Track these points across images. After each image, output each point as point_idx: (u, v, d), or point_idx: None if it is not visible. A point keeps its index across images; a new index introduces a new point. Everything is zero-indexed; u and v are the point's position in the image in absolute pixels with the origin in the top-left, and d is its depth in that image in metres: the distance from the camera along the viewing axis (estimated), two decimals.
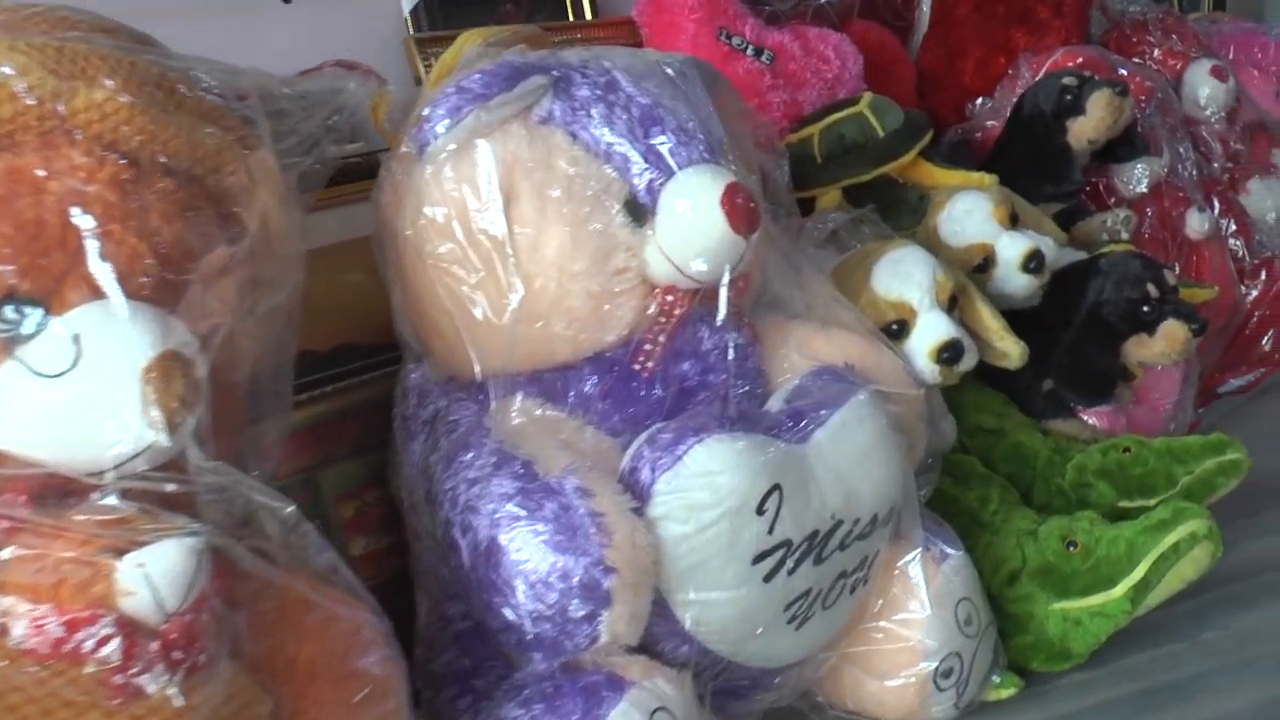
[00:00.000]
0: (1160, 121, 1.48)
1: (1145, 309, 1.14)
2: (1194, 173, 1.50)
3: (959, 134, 1.53)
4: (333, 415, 1.00)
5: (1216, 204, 1.54)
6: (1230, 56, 1.81)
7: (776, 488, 0.77)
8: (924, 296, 0.95)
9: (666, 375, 0.84)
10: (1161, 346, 1.14)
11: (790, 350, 0.92)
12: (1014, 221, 1.10)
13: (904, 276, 0.96)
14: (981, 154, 1.44)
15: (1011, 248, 1.08)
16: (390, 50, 1.14)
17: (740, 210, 0.80)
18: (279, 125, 0.78)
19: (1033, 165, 1.32)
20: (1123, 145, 1.36)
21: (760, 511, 0.76)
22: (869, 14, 1.55)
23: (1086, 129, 1.29)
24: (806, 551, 0.79)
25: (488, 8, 1.20)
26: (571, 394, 0.83)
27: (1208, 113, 1.62)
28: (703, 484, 0.75)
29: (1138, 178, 1.44)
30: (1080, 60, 1.51)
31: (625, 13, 1.28)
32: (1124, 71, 1.50)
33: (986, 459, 1.17)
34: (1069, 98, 1.29)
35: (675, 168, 0.82)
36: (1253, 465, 1.35)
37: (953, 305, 0.97)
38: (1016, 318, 1.21)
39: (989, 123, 1.49)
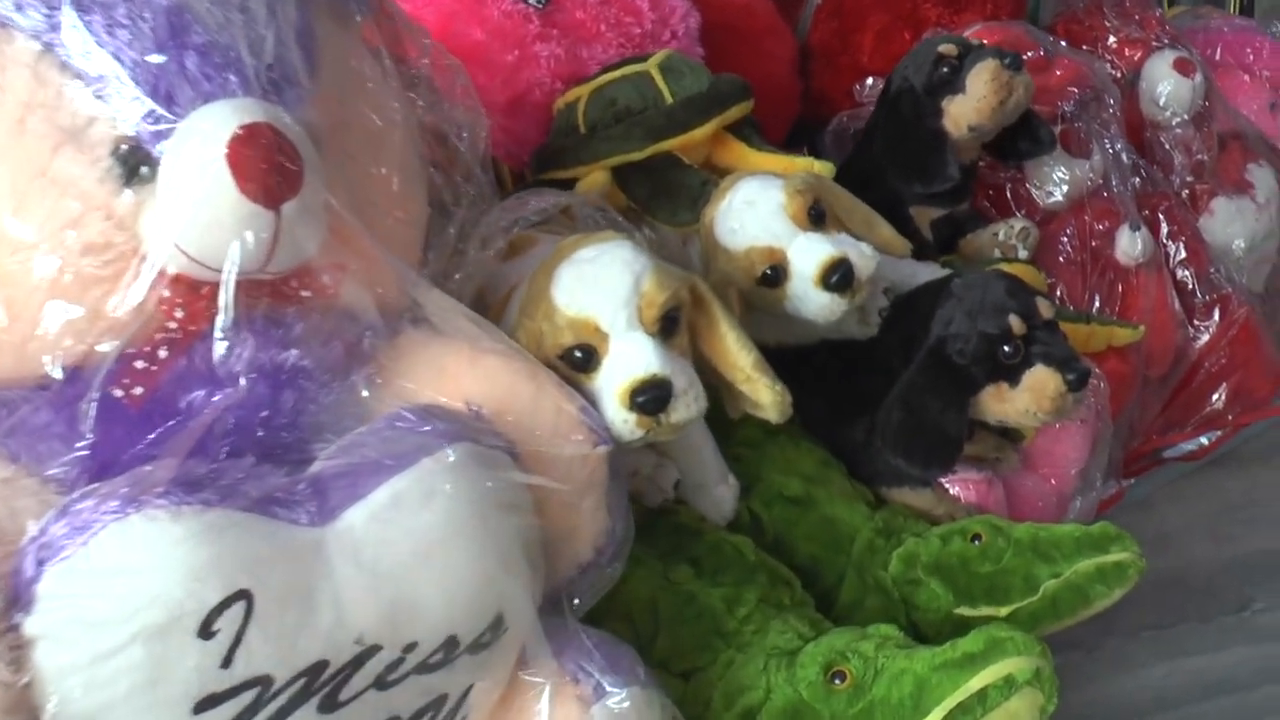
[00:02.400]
0: (1093, 118, 1.18)
1: (1006, 349, 0.83)
2: (1133, 183, 1.18)
3: (844, 123, 1.23)
4: None
5: (1165, 223, 1.23)
6: (1217, 57, 1.50)
7: (242, 596, 0.49)
8: (618, 313, 0.66)
9: (165, 408, 0.56)
10: (1025, 401, 0.84)
11: (425, 383, 0.64)
12: (818, 220, 0.80)
13: (591, 284, 0.67)
14: None
15: (806, 255, 0.79)
16: None
17: (255, 165, 0.53)
18: None
19: (897, 156, 1.03)
20: (1022, 138, 1.05)
21: (207, 634, 0.48)
22: None
23: (966, 111, 0.98)
24: (302, 694, 0.51)
25: None
26: (9, 426, 0.56)
27: (1168, 114, 1.31)
28: (106, 587, 0.47)
29: (1054, 183, 1.14)
30: (998, 38, 1.21)
31: None
32: (1045, 54, 1.20)
33: (782, 540, 0.87)
34: (945, 70, 0.99)
35: (190, 102, 0.55)
36: (1179, 560, 1.04)
37: (669, 327, 0.68)
38: (850, 352, 0.92)
39: None
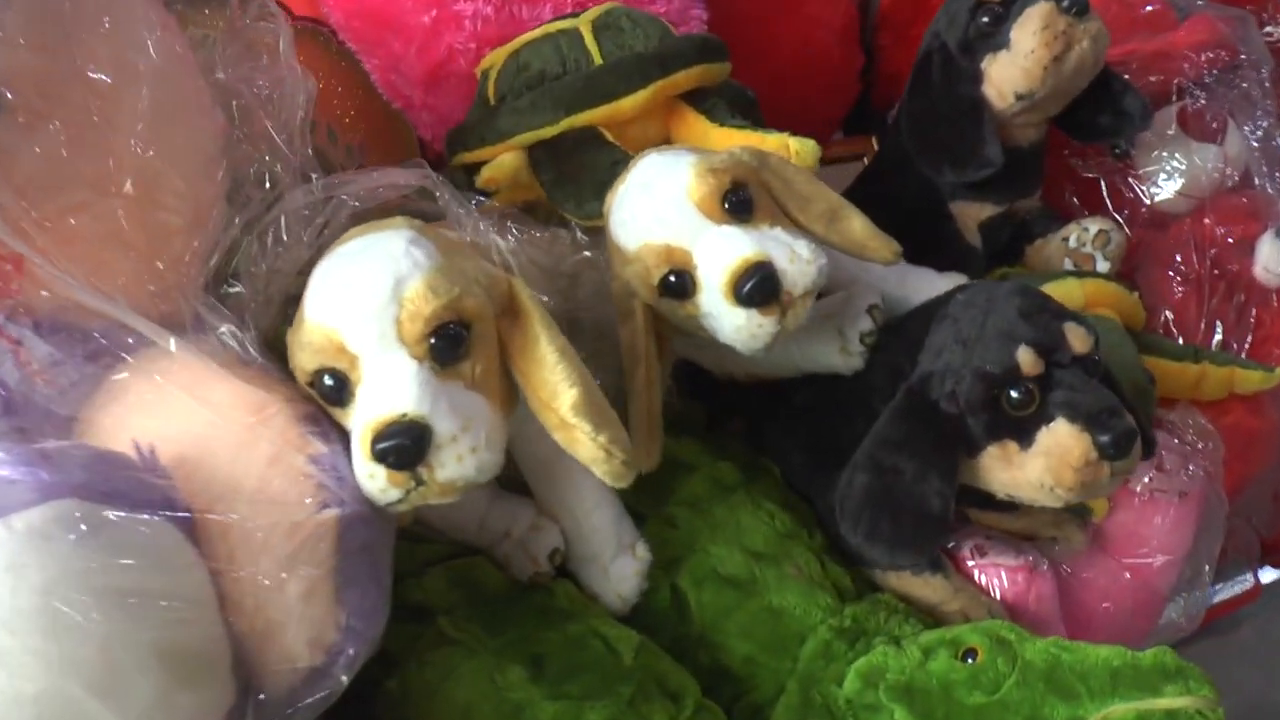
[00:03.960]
0: (1234, 94, 0.89)
1: (1012, 395, 0.59)
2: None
3: None
4: None
5: None
6: None
7: None
8: (366, 327, 0.48)
9: None
10: (1038, 470, 0.59)
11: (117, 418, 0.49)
12: (739, 210, 0.59)
13: (340, 287, 0.50)
14: None
15: (712, 256, 0.58)
16: None
17: None
18: None
19: (924, 135, 0.79)
20: (1103, 110, 0.79)
21: None
22: None
23: (1011, 73, 0.74)
24: None
25: None
26: None
27: None
28: None
29: (1166, 174, 0.86)
30: None
31: None
32: (1176, 11, 0.92)
33: (711, 633, 0.66)
34: (985, 20, 0.75)
35: None
36: None
37: (448, 348, 0.49)
38: (836, 390, 0.70)
39: None
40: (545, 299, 0.68)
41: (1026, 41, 0.73)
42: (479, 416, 0.48)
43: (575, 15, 0.74)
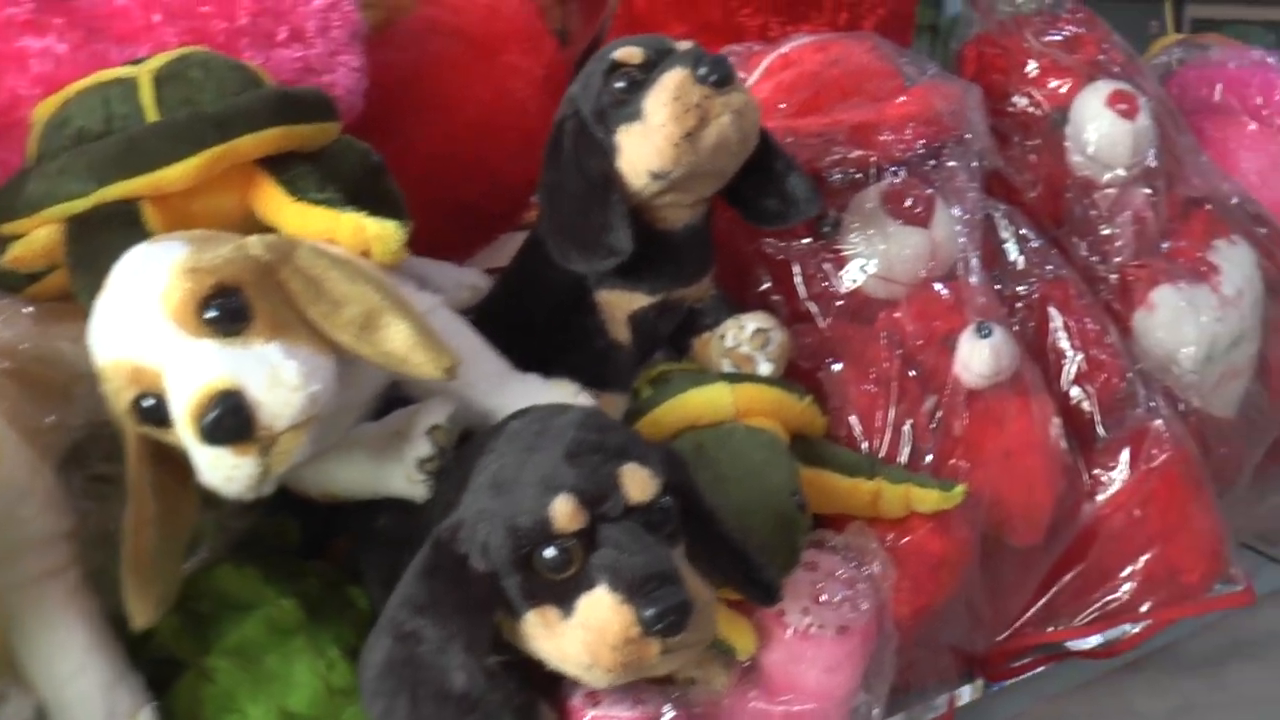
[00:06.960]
0: (943, 175, 0.82)
1: (546, 555, 0.50)
2: (1008, 266, 0.82)
3: None
4: None
5: (1060, 323, 0.85)
6: (1216, 98, 1.12)
7: None
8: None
9: None
10: (577, 645, 0.50)
11: None
12: (228, 320, 0.48)
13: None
14: None
15: (177, 381, 0.48)
16: None
17: None
18: None
19: (551, 216, 0.70)
20: (768, 193, 0.71)
21: None
22: None
23: (644, 149, 0.65)
24: None
25: None
26: None
27: (1099, 167, 0.93)
28: None
29: (860, 259, 0.79)
30: (831, 53, 0.86)
31: None
32: (905, 81, 0.84)
33: None
34: (619, 86, 0.66)
35: None
36: None
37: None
38: (406, 519, 0.59)
39: None
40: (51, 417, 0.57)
41: (657, 114, 0.63)
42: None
43: (143, 61, 0.63)
